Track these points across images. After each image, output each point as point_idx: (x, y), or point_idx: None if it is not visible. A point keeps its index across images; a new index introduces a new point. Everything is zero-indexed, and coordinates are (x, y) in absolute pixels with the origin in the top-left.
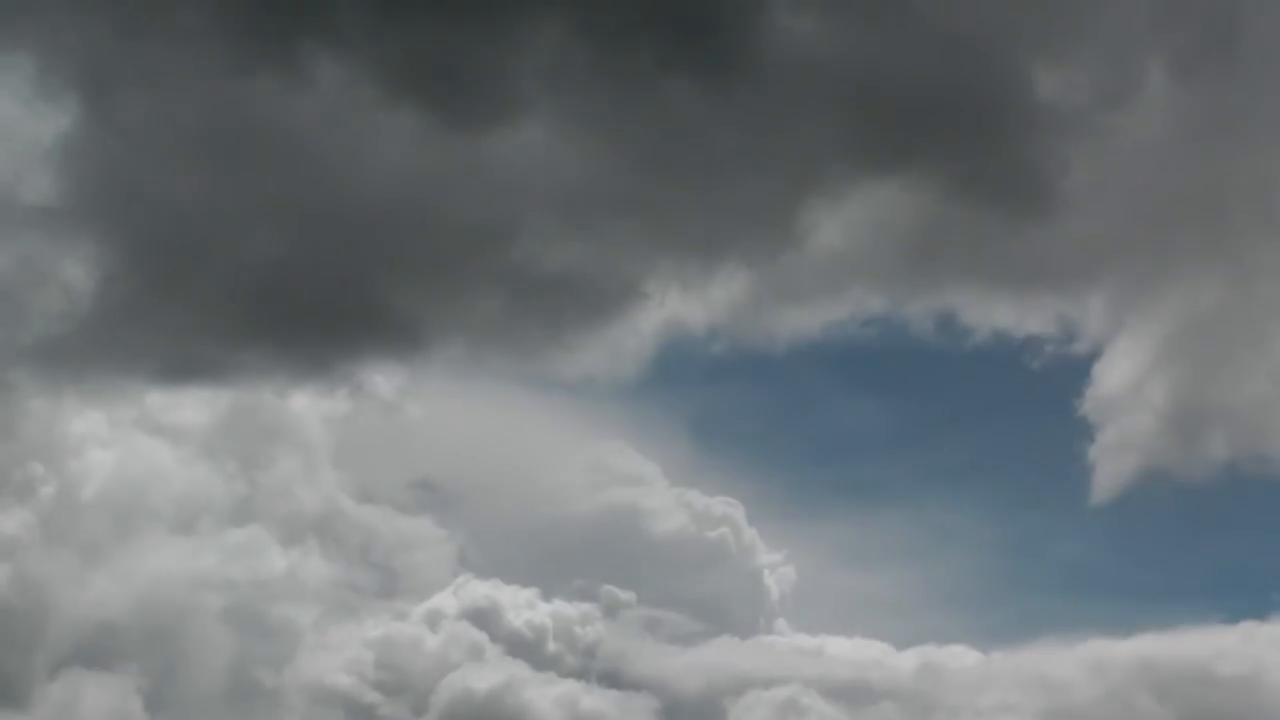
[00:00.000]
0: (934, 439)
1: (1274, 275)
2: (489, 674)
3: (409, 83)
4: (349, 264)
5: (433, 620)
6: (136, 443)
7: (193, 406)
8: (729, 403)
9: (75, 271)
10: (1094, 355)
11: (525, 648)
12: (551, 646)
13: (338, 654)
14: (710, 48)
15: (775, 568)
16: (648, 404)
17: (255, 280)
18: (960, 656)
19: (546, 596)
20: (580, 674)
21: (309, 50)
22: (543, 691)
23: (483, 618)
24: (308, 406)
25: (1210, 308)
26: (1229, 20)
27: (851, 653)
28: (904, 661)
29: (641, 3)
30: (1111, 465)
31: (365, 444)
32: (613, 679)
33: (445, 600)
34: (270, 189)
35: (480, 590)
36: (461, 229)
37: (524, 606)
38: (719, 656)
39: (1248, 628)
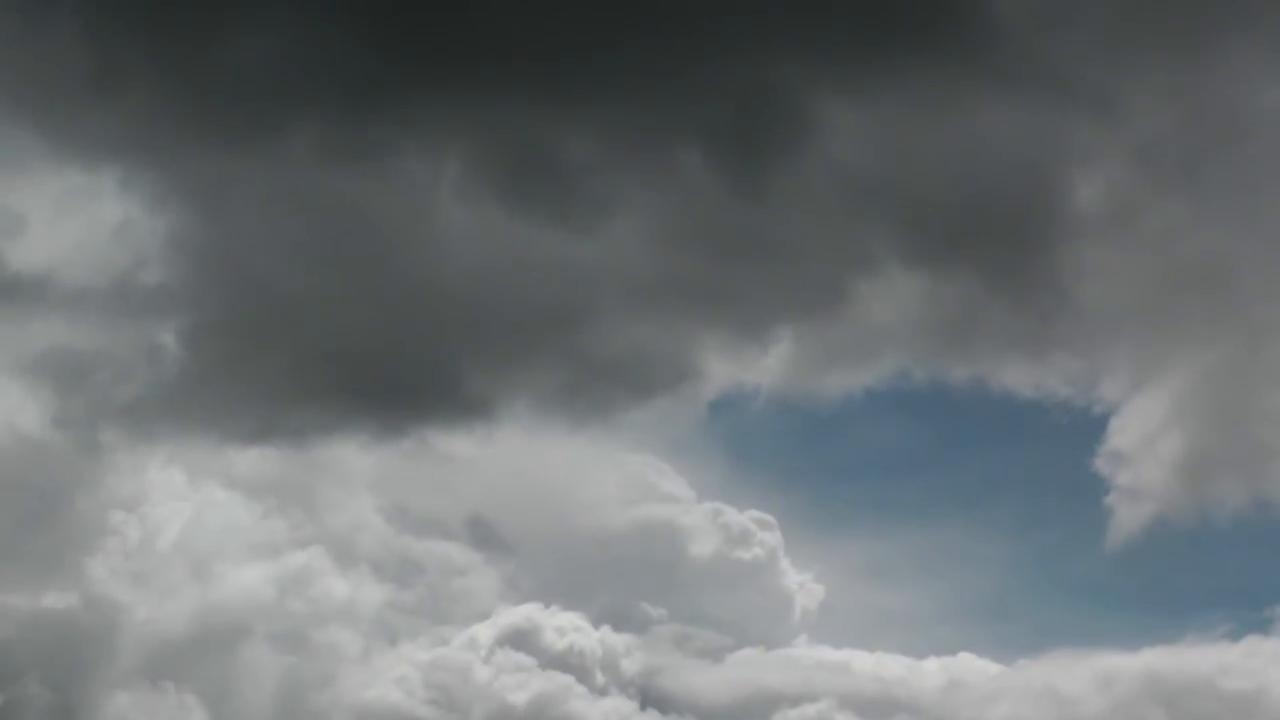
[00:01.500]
0: (960, 478)
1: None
2: (531, 690)
3: (490, 178)
4: (426, 339)
5: (477, 643)
6: (212, 494)
7: (268, 462)
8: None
9: (171, 344)
10: (1110, 413)
11: (565, 666)
12: (589, 664)
13: (389, 675)
14: (767, 150)
15: (804, 584)
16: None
17: (337, 353)
18: (977, 669)
19: (584, 616)
20: (619, 690)
21: (398, 146)
22: (583, 706)
23: (525, 639)
24: (375, 460)
25: (1216, 368)
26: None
27: (875, 667)
28: (925, 675)
29: (706, 107)
30: (1126, 512)
31: (424, 486)
32: (645, 695)
33: (490, 625)
34: (356, 271)
35: (523, 613)
36: (532, 311)
37: (568, 629)
38: (747, 671)
39: (1252, 643)
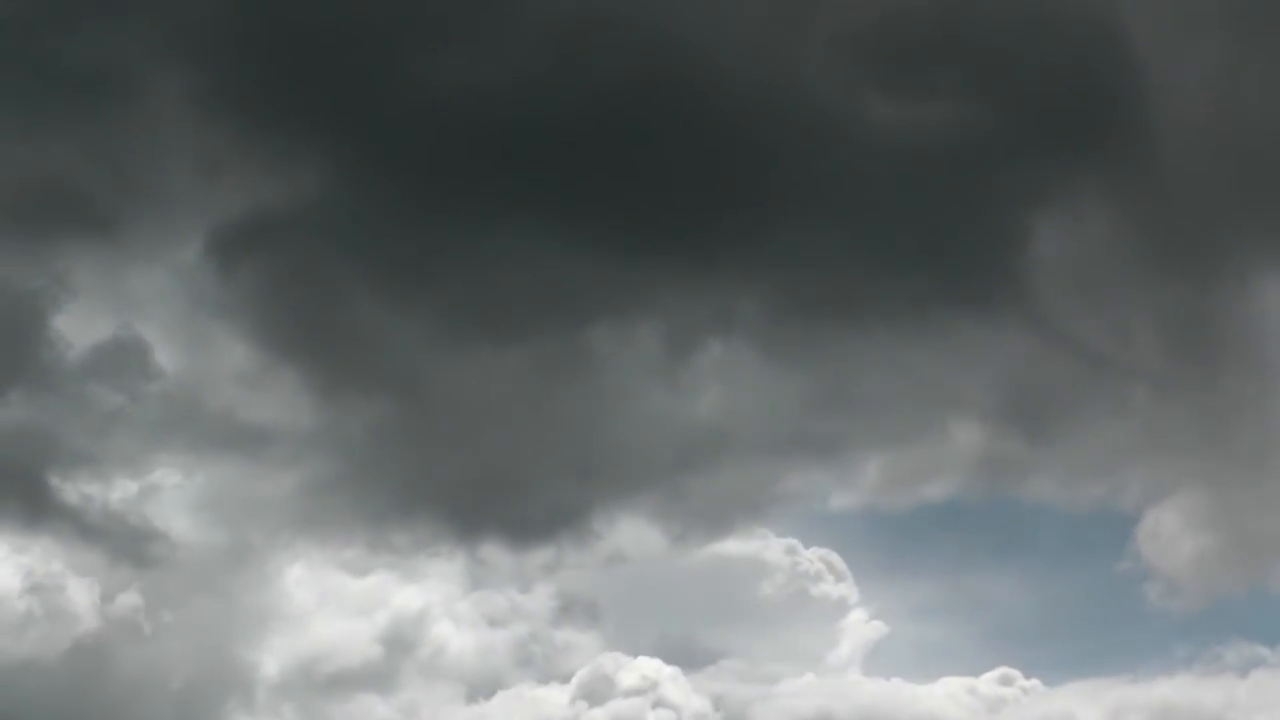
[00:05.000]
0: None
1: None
2: None
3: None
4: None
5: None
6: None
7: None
8: None
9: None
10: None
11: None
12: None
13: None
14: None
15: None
16: None
17: (433, 485)
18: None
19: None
20: None
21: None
22: None
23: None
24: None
25: (1226, 486)
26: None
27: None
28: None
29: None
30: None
31: None
32: None
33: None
34: (458, 416)
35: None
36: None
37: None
38: (803, 700)
39: (1257, 677)
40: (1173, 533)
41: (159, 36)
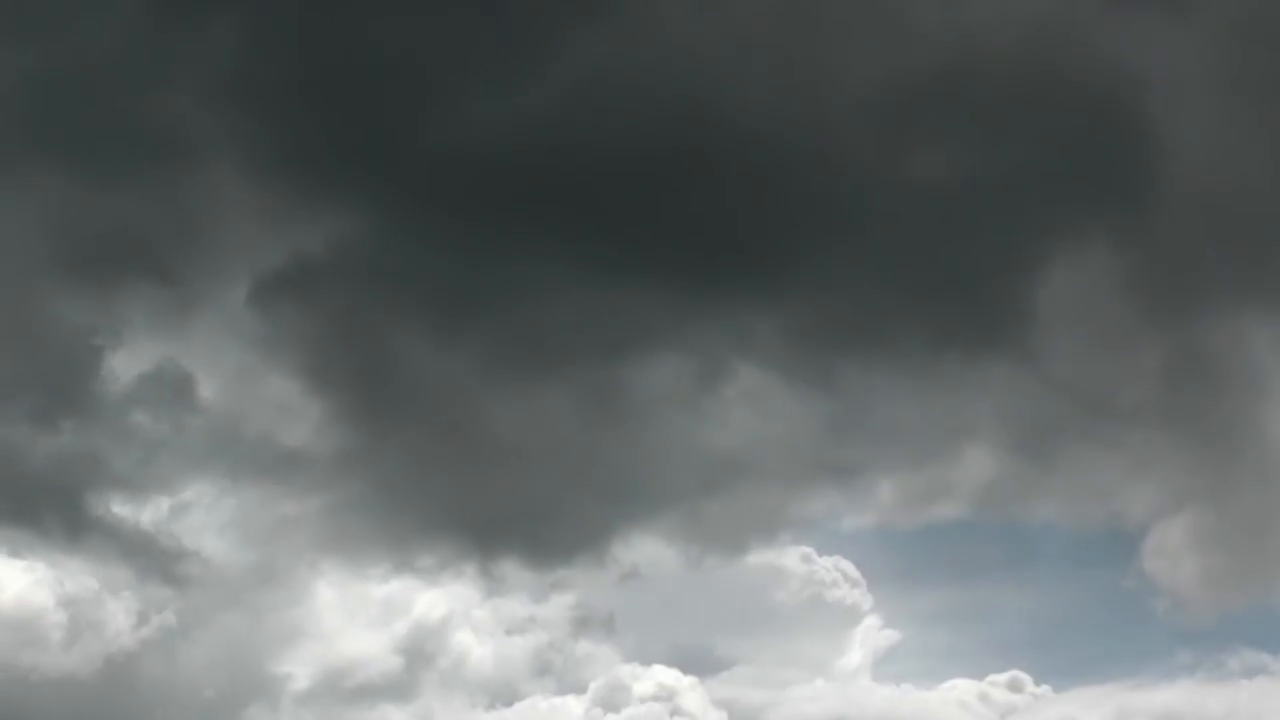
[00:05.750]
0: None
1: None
2: None
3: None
4: (563, 498)
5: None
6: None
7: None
8: None
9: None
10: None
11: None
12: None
13: None
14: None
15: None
16: None
17: (457, 509)
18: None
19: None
20: None
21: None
22: None
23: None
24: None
25: (1226, 506)
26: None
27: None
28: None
29: None
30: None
31: None
32: None
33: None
34: (485, 444)
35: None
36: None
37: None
38: (815, 705)
39: (1260, 685)
40: (1176, 550)
41: (211, 99)
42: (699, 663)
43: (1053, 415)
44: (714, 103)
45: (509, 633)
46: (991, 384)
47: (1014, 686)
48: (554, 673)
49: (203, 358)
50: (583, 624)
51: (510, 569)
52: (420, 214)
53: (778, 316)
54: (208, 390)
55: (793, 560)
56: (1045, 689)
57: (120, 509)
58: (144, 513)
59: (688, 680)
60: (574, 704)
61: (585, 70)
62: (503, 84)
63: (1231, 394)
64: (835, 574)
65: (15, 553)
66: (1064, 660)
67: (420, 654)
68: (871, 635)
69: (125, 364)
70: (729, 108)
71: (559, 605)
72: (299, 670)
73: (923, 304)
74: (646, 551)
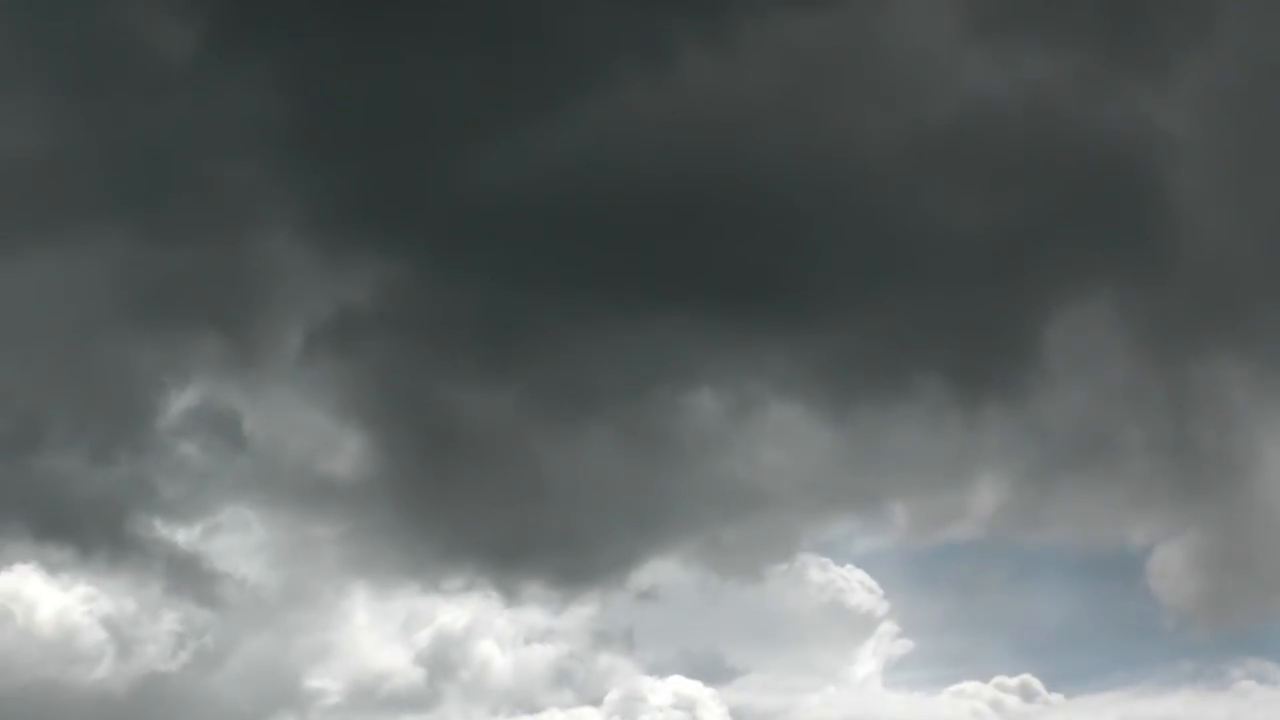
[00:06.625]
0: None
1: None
2: None
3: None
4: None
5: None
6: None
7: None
8: None
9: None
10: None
11: None
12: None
13: None
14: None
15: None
16: None
17: (482, 536)
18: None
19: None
20: None
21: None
22: None
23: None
24: None
25: (1230, 529)
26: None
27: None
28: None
29: None
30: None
31: None
32: None
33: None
34: (512, 479)
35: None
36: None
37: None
38: (827, 712)
39: (1263, 693)
40: (1178, 572)
41: (265, 162)
42: (713, 672)
43: (1060, 448)
44: (741, 150)
45: (528, 641)
46: (1002, 419)
47: (1026, 694)
48: (573, 685)
49: (252, 398)
50: (601, 638)
51: (533, 592)
52: (457, 258)
53: (800, 353)
54: (253, 426)
55: (809, 570)
56: (1057, 696)
57: (160, 532)
58: (183, 536)
59: (707, 691)
60: (591, 715)
61: (616, 116)
62: (534, 129)
63: (1229, 431)
64: (850, 583)
65: (56, 572)
66: (1073, 669)
67: (442, 665)
68: (884, 643)
69: (181, 403)
70: (755, 154)
71: (579, 616)
72: (329, 685)
73: (938, 343)
74: (663, 576)
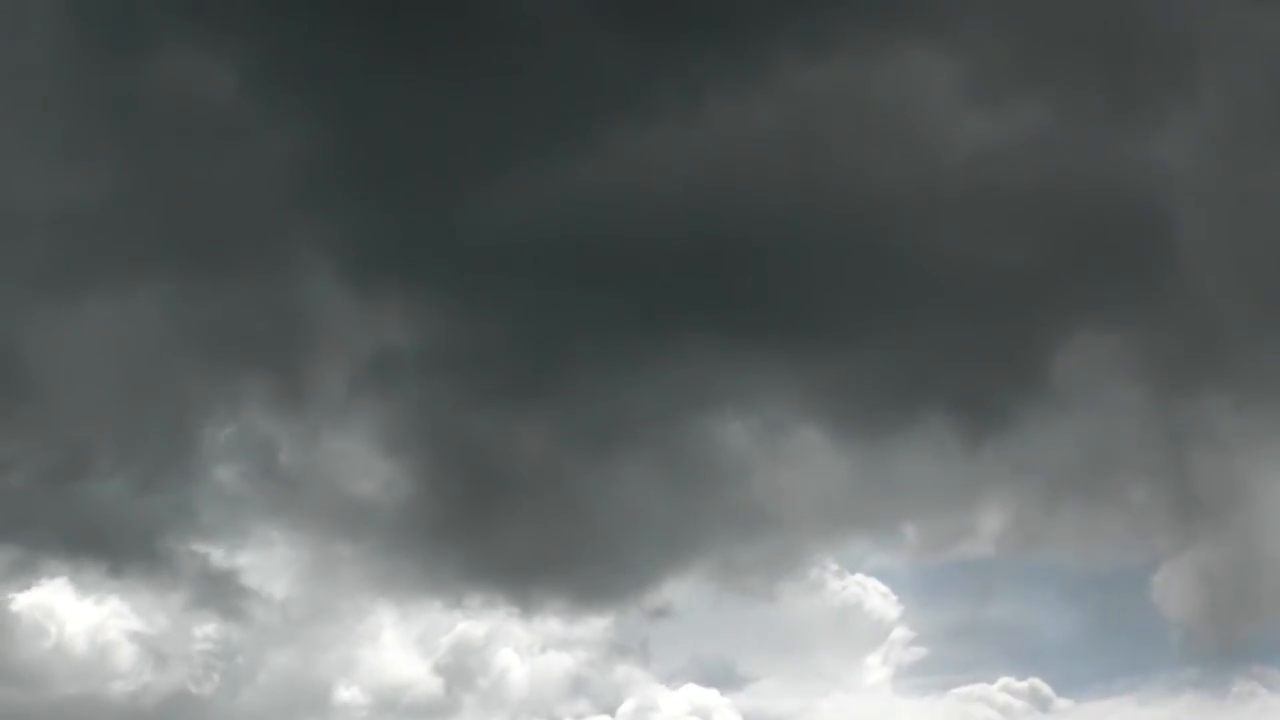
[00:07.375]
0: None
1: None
2: None
3: None
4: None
5: None
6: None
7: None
8: None
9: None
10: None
11: None
12: None
13: None
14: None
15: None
16: None
17: (504, 558)
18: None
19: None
20: None
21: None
22: None
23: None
24: None
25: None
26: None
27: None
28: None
29: None
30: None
31: None
32: None
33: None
34: (535, 502)
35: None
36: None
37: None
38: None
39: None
40: (1183, 588)
41: (309, 207)
42: (726, 680)
43: (1065, 474)
44: (759, 189)
45: (545, 649)
46: (1009, 446)
47: (1034, 698)
48: (589, 694)
49: (289, 429)
50: (617, 649)
51: (555, 607)
52: (489, 296)
53: (817, 383)
54: (289, 455)
55: (824, 576)
56: (1066, 702)
57: (193, 550)
58: (213, 553)
59: (721, 699)
60: None
61: (646, 153)
62: (566, 167)
63: (1227, 459)
64: (863, 590)
65: (88, 588)
66: (1079, 675)
67: (461, 673)
68: (896, 650)
69: (221, 433)
70: (772, 193)
71: (595, 628)
72: (354, 699)
73: (948, 374)
74: (676, 594)
